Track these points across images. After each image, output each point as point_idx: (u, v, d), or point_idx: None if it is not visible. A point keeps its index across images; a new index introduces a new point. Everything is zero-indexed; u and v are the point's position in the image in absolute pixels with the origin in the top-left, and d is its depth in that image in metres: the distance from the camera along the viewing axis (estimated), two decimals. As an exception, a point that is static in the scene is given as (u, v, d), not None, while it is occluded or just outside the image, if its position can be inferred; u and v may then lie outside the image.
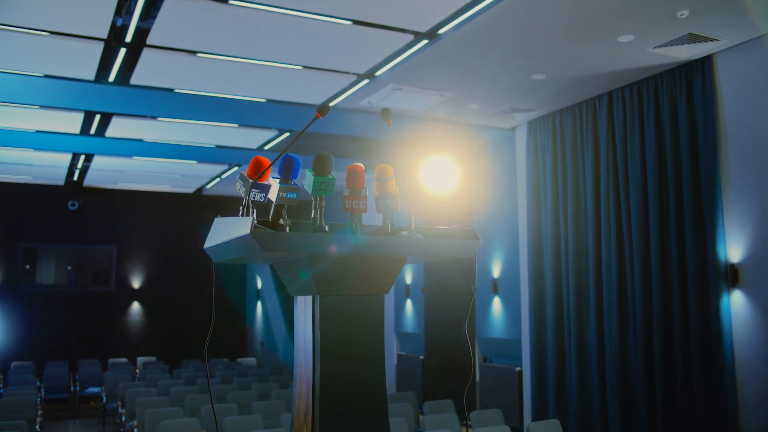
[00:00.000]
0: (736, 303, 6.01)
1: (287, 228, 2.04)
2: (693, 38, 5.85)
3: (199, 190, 14.63)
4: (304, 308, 2.18)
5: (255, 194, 2.11)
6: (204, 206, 15.05)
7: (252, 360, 13.81)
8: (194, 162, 11.53)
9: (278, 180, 2.12)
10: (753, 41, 5.97)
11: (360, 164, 2.13)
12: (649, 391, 6.69)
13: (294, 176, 2.15)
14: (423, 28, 5.78)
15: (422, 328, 11.17)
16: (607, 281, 7.25)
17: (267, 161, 2.16)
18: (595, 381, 7.36)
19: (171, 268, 15.00)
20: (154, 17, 5.59)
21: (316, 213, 2.09)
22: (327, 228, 2.08)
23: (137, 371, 12.63)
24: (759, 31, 5.82)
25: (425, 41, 6.05)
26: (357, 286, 2.16)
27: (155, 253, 15.08)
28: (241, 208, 2.11)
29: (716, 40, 5.94)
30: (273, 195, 2.09)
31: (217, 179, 13.20)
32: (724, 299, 6.03)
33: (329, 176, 2.12)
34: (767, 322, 5.76)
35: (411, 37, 5.97)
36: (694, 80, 6.42)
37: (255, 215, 2.06)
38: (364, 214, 2.17)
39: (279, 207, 2.06)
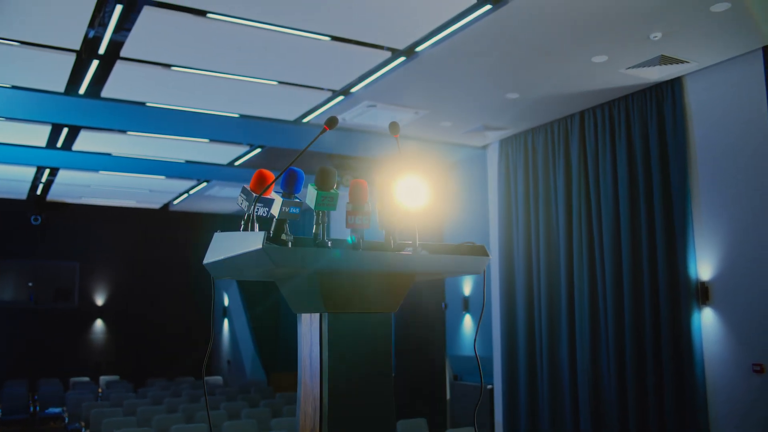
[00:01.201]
0: (706, 320, 6.10)
1: (290, 243, 2.00)
2: (664, 60, 5.96)
3: (166, 205, 14.44)
4: (310, 326, 2.12)
5: (258, 208, 2.06)
6: (170, 222, 14.86)
7: (218, 378, 13.59)
8: (162, 177, 11.37)
9: (281, 194, 2.08)
10: (721, 64, 6.12)
11: (363, 180, 2.09)
12: (622, 407, 6.73)
13: (297, 191, 2.11)
14: (401, 45, 5.79)
15: (393, 347, 11.09)
16: (579, 298, 7.30)
17: (271, 175, 2.12)
18: (568, 398, 7.39)
19: (136, 285, 14.73)
20: (129, 30, 5.52)
21: (318, 228, 2.05)
22: (330, 244, 2.04)
23: (100, 390, 12.33)
24: (727, 55, 5.96)
25: (402, 58, 6.07)
26: (366, 303, 2.11)
27: (120, 270, 14.80)
28: (242, 222, 2.06)
29: (686, 62, 6.06)
30: (275, 210, 2.05)
31: (185, 195, 13.03)
32: (695, 316, 6.11)
33: (333, 191, 2.08)
34: (737, 339, 5.85)
35: (388, 54, 5.98)
36: (664, 101, 6.54)
37: (251, 230, 2.01)
38: (361, 230, 2.14)
39: (281, 222, 2.01)
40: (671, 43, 5.66)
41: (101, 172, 10.89)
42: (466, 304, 9.54)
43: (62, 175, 11.26)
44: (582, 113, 7.49)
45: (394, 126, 2.22)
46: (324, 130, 2.15)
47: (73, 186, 12.25)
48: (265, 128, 8.27)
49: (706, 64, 6.16)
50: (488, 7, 5.01)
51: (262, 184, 2.08)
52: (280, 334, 14.62)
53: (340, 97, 7.16)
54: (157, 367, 13.79)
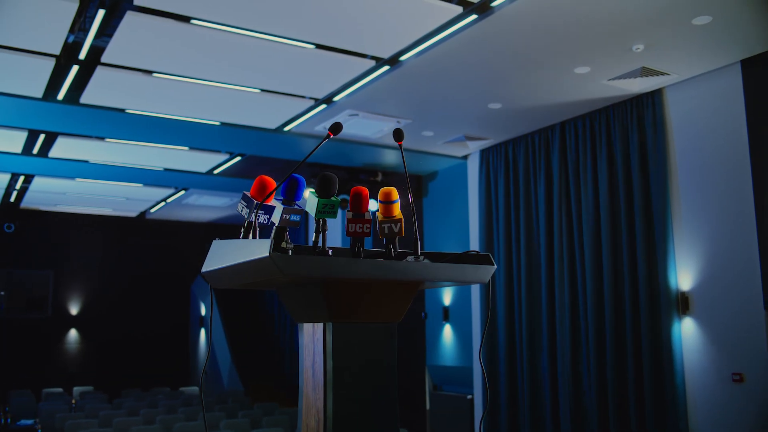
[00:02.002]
0: (686, 330, 6.15)
1: (290, 251, 1.96)
2: (646, 72, 6.03)
3: (143, 213, 14.28)
4: (313, 336, 2.08)
5: (260, 216, 2.02)
6: (147, 231, 14.70)
7: (195, 389, 13.41)
8: (140, 185, 11.24)
9: (281, 201, 2.04)
10: (701, 76, 6.20)
11: (364, 187, 2.06)
12: (602, 417, 6.75)
13: (298, 198, 2.07)
14: (385, 54, 5.79)
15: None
16: (560, 308, 7.33)
17: (273, 182, 2.08)
18: (548, 407, 7.40)
19: (111, 294, 14.53)
20: (110, 35, 5.45)
21: (318, 236, 2.01)
22: (330, 252, 2.01)
23: (74, 401, 12.09)
24: (707, 67, 6.04)
25: (386, 67, 6.07)
26: (371, 313, 2.07)
27: (95, 279, 14.58)
28: (242, 230, 2.01)
29: (667, 74, 6.13)
30: (275, 217, 2.01)
31: (162, 203, 12.90)
32: (675, 326, 6.16)
33: (333, 198, 2.04)
34: (717, 348, 5.90)
35: (372, 62, 5.98)
36: (645, 113, 6.61)
37: (253, 237, 1.97)
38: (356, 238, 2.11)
39: (281, 230, 1.97)
40: (653, 55, 5.72)
41: (77, 179, 10.74)
42: (446, 314, 9.53)
43: (37, 183, 11.08)
44: (563, 124, 7.53)
45: (398, 133, 2.20)
46: (328, 136, 2.12)
47: (49, 193, 12.06)
48: (246, 136, 8.22)
49: (686, 77, 6.24)
50: (474, 17, 5.02)
51: (263, 191, 2.05)
52: (257, 343, 14.50)
53: (323, 106, 7.14)
54: (133, 377, 13.58)
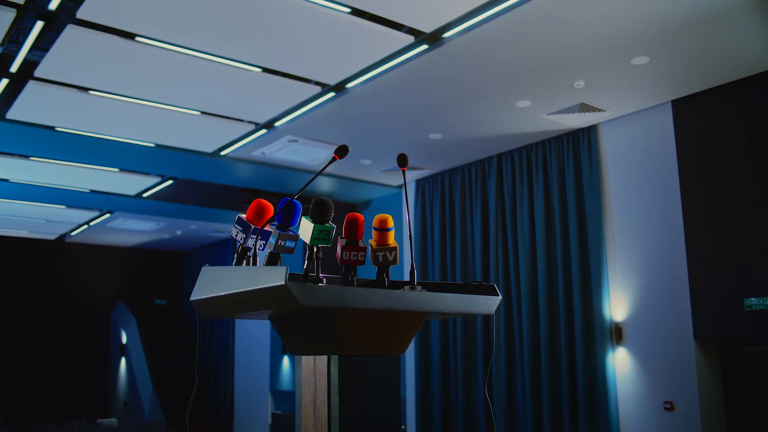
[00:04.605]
0: (620, 360, 6.29)
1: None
2: (584, 108, 6.22)
3: (62, 236, 13.68)
4: (314, 370, 1.96)
5: (250, 240, 1.93)
6: (66, 255, 14.08)
7: (113, 421, 12.80)
8: (63, 207, 10.77)
9: (275, 226, 1.95)
10: (633, 114, 6.44)
11: (360, 214, 2.00)
12: (537, 448, 6.81)
13: (293, 223, 1.99)
14: (332, 81, 5.78)
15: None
16: (496, 338, 7.38)
17: (271, 206, 1.99)
18: (483, 438, 7.41)
19: (24, 321, 13.78)
20: (46, 49, 5.23)
21: (310, 264, 1.92)
22: (325, 281, 1.92)
23: (-20, 436, 11.37)
24: (641, 106, 6.29)
25: (332, 94, 6.05)
26: (376, 345, 1.99)
27: (7, 304, 13.82)
28: (235, 255, 1.91)
29: (603, 110, 6.35)
30: (270, 243, 1.92)
31: (85, 226, 12.39)
32: (609, 356, 6.30)
33: (328, 225, 1.97)
34: (649, 377, 6.06)
35: (318, 88, 5.95)
36: (580, 147, 6.80)
37: (252, 264, 1.87)
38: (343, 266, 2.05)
39: (275, 256, 1.88)
40: (592, 92, 5.91)
41: (-5, 199, 10.22)
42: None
43: (-51, 202, 10.49)
44: (500, 156, 7.67)
45: (403, 158, 2.16)
46: (334, 159, 2.05)
47: (-40, 214, 11.42)
48: (180, 159, 8.01)
49: (620, 114, 6.48)
50: (424, 47, 5.08)
51: (261, 216, 1.95)
52: (180, 372, 14.03)
53: (263, 131, 7.05)
54: (47, 409, 12.89)
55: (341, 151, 2.04)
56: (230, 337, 13.05)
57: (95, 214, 11.42)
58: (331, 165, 2.14)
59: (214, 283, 1.86)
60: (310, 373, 2.00)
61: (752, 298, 5.41)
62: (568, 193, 6.85)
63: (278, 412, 11.33)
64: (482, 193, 7.87)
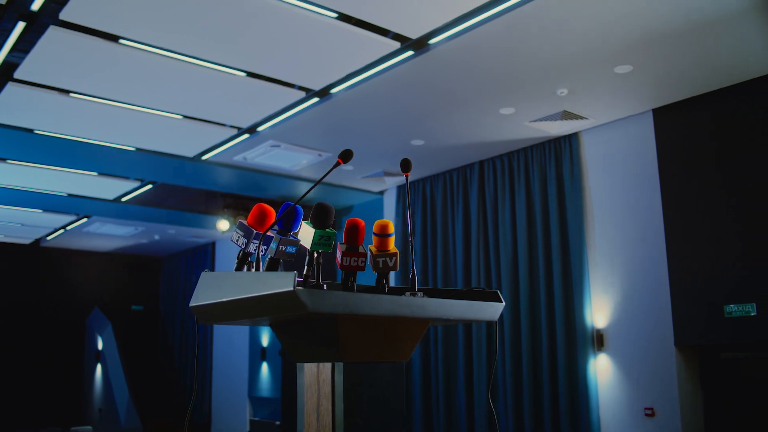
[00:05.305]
0: (601, 366, 6.33)
1: None
2: (566, 115, 6.27)
3: (37, 241, 13.48)
4: (317, 377, 1.94)
5: (251, 245, 1.90)
6: (40, 259, 13.87)
7: (88, 428, 12.61)
8: (39, 211, 10.62)
9: (276, 232, 1.92)
10: (614, 122, 6.51)
11: (360, 219, 1.99)
12: (518, 454, 6.82)
13: (294, 228, 1.96)
14: (316, 86, 5.76)
15: (279, 392, 10.81)
16: (477, 344, 7.39)
17: (273, 211, 1.97)
18: (464, 444, 7.40)
19: (-3, 327, 13.56)
20: (27, 51, 5.16)
21: (310, 270, 1.90)
22: (325, 286, 1.90)
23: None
24: (622, 114, 6.35)
25: (315, 99, 6.03)
26: (381, 352, 1.97)
27: (-21, 309, 13.59)
28: (236, 261, 1.88)
29: (585, 118, 6.40)
30: (271, 248, 1.89)
31: (61, 230, 12.23)
32: (590, 362, 6.34)
33: (329, 230, 1.95)
34: (630, 384, 6.10)
35: (302, 93, 5.93)
36: (562, 154, 6.85)
37: (254, 269, 1.85)
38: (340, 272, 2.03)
39: (275, 261, 1.86)
40: (574, 100, 5.96)
41: (-33, 202, 10.04)
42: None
43: None
44: (482, 162, 7.70)
45: (406, 163, 2.15)
46: (338, 164, 2.04)
47: (-68, 217, 11.21)
48: (161, 164, 7.94)
49: (602, 122, 6.53)
50: (410, 53, 5.08)
51: (263, 221, 1.93)
52: (157, 378, 13.89)
53: (245, 135, 7.01)
54: (20, 416, 12.67)
55: (345, 156, 2.03)
56: (208, 342, 12.94)
57: (72, 218, 11.27)
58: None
59: (215, 288, 1.82)
60: (313, 381, 1.97)
61: (732, 305, 5.48)
62: (549, 200, 6.89)
63: (256, 418, 11.26)
64: (464, 200, 7.89)
